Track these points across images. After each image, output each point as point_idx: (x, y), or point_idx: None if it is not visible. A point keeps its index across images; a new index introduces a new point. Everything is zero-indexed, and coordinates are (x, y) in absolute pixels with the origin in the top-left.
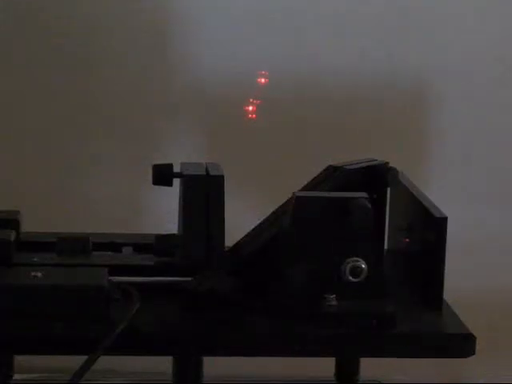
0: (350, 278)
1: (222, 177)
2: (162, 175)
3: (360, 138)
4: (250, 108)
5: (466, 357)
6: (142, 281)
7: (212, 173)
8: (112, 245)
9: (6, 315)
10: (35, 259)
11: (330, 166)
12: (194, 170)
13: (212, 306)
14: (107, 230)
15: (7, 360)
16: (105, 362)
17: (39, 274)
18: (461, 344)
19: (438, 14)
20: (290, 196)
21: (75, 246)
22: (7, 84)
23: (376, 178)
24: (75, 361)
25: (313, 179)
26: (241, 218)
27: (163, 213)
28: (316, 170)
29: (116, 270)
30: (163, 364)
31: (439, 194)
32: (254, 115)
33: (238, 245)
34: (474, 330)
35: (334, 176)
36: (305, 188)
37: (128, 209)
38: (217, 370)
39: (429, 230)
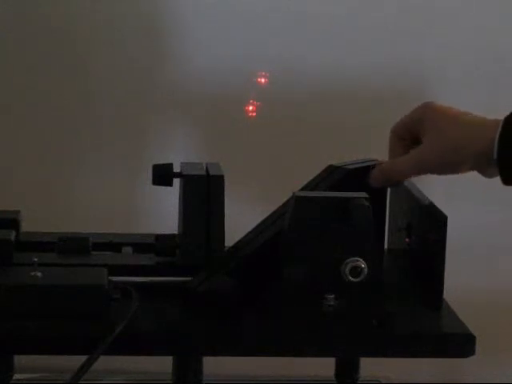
0: (350, 277)
1: (222, 177)
2: (162, 175)
3: (360, 138)
4: (250, 108)
5: (465, 357)
6: (141, 281)
7: (212, 173)
8: (112, 245)
9: (6, 315)
10: (35, 259)
11: (330, 165)
12: (194, 170)
13: (212, 306)
14: (107, 230)
15: (7, 360)
16: (105, 362)
17: (39, 274)
18: (461, 344)
19: (438, 15)
20: (289, 196)
21: (75, 246)
22: (7, 84)
23: None
24: (75, 361)
25: (313, 179)
26: (241, 218)
27: (163, 213)
28: (316, 170)
29: (116, 269)
30: (163, 364)
31: (439, 194)
32: (253, 114)
33: (238, 245)
34: (474, 330)
35: (333, 176)
36: (305, 188)
37: (128, 209)
38: (217, 370)
39: (429, 230)
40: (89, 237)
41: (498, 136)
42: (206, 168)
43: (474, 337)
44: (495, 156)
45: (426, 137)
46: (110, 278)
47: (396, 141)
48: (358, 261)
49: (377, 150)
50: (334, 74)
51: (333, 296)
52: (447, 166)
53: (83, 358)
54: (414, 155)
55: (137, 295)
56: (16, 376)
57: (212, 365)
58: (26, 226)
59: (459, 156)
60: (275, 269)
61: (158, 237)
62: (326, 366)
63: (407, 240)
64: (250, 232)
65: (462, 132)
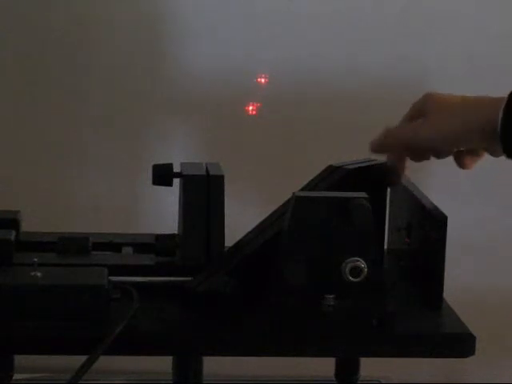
0: (350, 278)
1: (222, 177)
2: (162, 175)
3: (360, 138)
4: (250, 108)
5: (465, 357)
6: (141, 281)
7: (212, 173)
8: (112, 245)
9: (6, 315)
10: (35, 259)
11: (330, 165)
12: (194, 170)
13: (212, 306)
14: (107, 230)
15: (7, 360)
16: (105, 361)
17: (39, 274)
18: (461, 344)
19: (438, 15)
20: (289, 196)
21: (75, 246)
22: (7, 84)
23: (376, 177)
24: (75, 361)
25: (313, 179)
26: (241, 218)
27: (163, 213)
28: (316, 170)
29: (116, 269)
30: (163, 364)
31: (439, 194)
32: (254, 113)
33: (238, 245)
34: (474, 330)
35: (333, 176)
36: (305, 188)
37: (128, 209)
38: (217, 370)
39: (429, 230)
40: (89, 237)
41: (502, 107)
42: (206, 168)
43: (474, 337)
44: (499, 128)
45: (428, 114)
46: (109, 277)
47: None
48: (357, 261)
49: None
50: (334, 74)
51: (333, 296)
52: (447, 137)
53: (83, 357)
54: (413, 123)
55: (137, 295)
56: (16, 376)
57: (212, 365)
58: (26, 226)
59: (458, 134)
60: (275, 269)
61: (158, 237)
62: (326, 366)
63: (407, 240)
64: (249, 232)
65: (465, 106)
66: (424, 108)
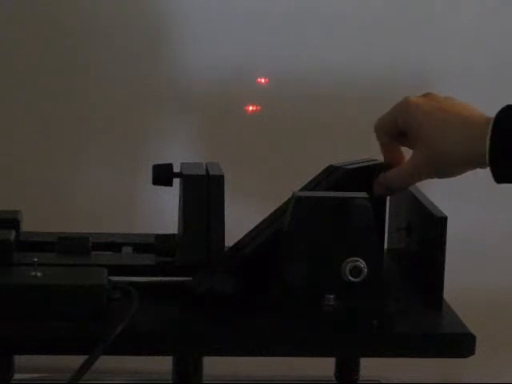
0: (350, 277)
1: (222, 177)
2: (162, 175)
3: (360, 138)
4: (250, 108)
5: (465, 357)
6: (141, 281)
7: (212, 173)
8: (112, 245)
9: (6, 315)
10: (35, 259)
11: (330, 165)
12: (194, 170)
13: (212, 306)
14: (107, 230)
15: (7, 360)
16: (105, 362)
17: (39, 274)
18: (461, 344)
19: (438, 14)
20: (289, 196)
21: (75, 246)
22: (7, 84)
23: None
24: (75, 361)
25: (313, 179)
26: (241, 218)
27: (163, 213)
28: (316, 170)
29: (116, 269)
30: (163, 364)
31: (439, 194)
32: (254, 113)
33: (238, 244)
34: (474, 330)
35: (333, 176)
36: (305, 188)
37: (128, 209)
38: (217, 370)
39: (429, 230)
40: (89, 237)
41: (487, 147)
42: (206, 168)
43: (474, 337)
44: (487, 162)
45: (417, 145)
46: (109, 277)
47: (383, 136)
48: (357, 261)
49: (377, 150)
50: (334, 74)
51: (333, 296)
52: (443, 173)
53: (83, 357)
54: (409, 167)
55: (137, 295)
56: (16, 376)
57: (212, 365)
58: (26, 226)
59: (453, 167)
60: (275, 269)
61: (158, 237)
62: (326, 366)
63: (407, 240)
64: (250, 232)
65: (451, 143)
66: (407, 120)
